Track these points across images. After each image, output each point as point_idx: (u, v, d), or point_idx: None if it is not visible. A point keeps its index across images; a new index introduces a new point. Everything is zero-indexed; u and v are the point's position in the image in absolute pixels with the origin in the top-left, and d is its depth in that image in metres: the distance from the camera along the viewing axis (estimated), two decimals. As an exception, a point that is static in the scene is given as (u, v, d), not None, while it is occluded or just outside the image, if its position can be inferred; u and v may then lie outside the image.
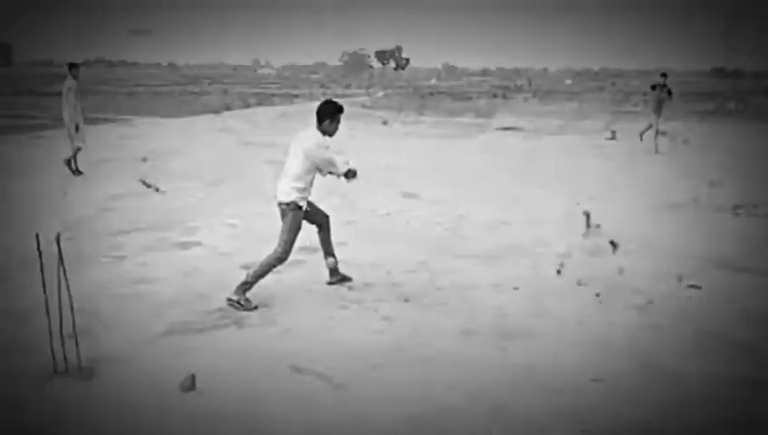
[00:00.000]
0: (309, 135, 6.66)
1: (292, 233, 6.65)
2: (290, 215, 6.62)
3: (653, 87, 19.66)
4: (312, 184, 6.71)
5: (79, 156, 14.29)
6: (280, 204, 6.68)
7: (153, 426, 4.46)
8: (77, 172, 14.08)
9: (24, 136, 20.71)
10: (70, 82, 14.15)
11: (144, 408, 4.65)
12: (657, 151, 18.58)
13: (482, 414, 4.64)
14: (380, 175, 14.05)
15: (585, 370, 5.29)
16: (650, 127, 19.64)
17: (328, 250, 7.18)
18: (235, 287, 6.59)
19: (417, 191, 12.72)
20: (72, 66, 14.27)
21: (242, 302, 6.53)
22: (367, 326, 6.17)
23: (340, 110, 6.70)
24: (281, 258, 6.64)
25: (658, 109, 19.27)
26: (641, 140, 20.09)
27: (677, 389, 5.03)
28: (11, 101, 35.08)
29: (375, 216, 10.57)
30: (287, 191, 6.61)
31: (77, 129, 14.07)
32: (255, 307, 6.52)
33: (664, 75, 19.53)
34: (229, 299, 6.56)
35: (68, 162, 14.14)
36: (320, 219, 7.03)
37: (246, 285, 6.58)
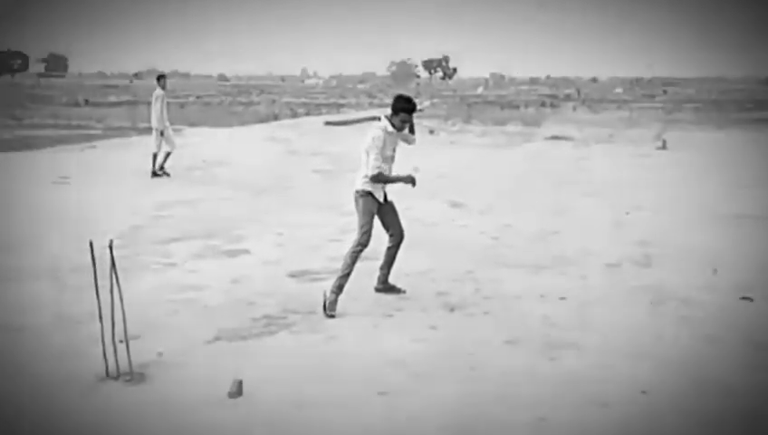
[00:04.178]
0: (373, 126, 6.97)
1: (364, 217, 6.86)
2: (360, 201, 6.86)
3: None
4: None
5: (157, 160, 15.21)
6: (354, 193, 6.93)
7: (201, 431, 4.53)
8: (163, 173, 15.03)
9: (79, 145, 21.23)
10: (158, 91, 15.35)
11: (192, 413, 4.73)
12: None
13: (527, 426, 4.60)
14: (427, 184, 14.05)
15: (633, 382, 5.21)
16: None
17: (386, 262, 7.25)
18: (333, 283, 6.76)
19: (464, 200, 12.69)
20: (159, 77, 15.68)
21: (327, 306, 6.64)
22: (412, 335, 6.17)
23: (404, 109, 6.82)
24: (361, 243, 6.81)
25: None
26: None
27: (728, 402, 4.93)
28: (67, 112, 35.99)
29: (422, 224, 10.57)
30: (357, 181, 6.91)
31: (161, 134, 15.14)
32: (332, 316, 6.59)
33: None
34: (324, 292, 6.72)
35: (160, 167, 15.14)
36: (392, 227, 7.10)
37: (342, 279, 6.74)
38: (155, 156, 15.12)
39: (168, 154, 15.29)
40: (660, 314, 6.74)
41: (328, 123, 30.41)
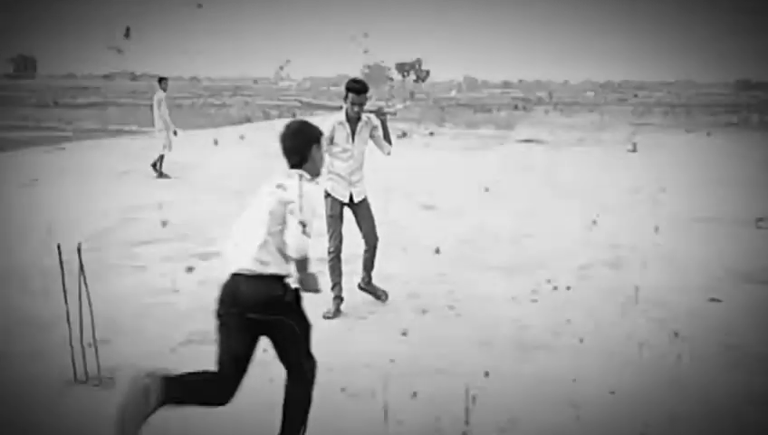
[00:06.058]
0: None
1: (327, 220, 6.68)
2: (323, 203, 6.60)
3: None
4: (334, 169, 6.67)
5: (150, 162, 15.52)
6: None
7: (171, 435, 4.49)
8: (163, 175, 15.22)
9: (48, 147, 20.95)
10: (159, 94, 15.48)
11: (162, 417, 4.67)
12: None
13: (498, 427, 4.62)
14: (399, 187, 14.06)
15: (603, 383, 5.25)
16: None
17: (364, 267, 7.10)
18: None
19: (437, 202, 12.72)
20: (160, 80, 15.72)
21: (331, 314, 6.67)
22: (384, 337, 6.17)
23: (350, 89, 6.51)
24: (330, 250, 6.73)
25: None
26: None
27: (697, 402, 4.98)
28: (36, 114, 35.52)
29: (394, 227, 10.58)
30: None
31: (175, 133, 15.55)
32: (329, 317, 6.59)
33: None
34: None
35: (153, 165, 15.40)
36: (364, 230, 6.92)
37: (334, 289, 6.73)
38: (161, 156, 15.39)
39: (161, 156, 15.45)
40: (630, 315, 6.80)
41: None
